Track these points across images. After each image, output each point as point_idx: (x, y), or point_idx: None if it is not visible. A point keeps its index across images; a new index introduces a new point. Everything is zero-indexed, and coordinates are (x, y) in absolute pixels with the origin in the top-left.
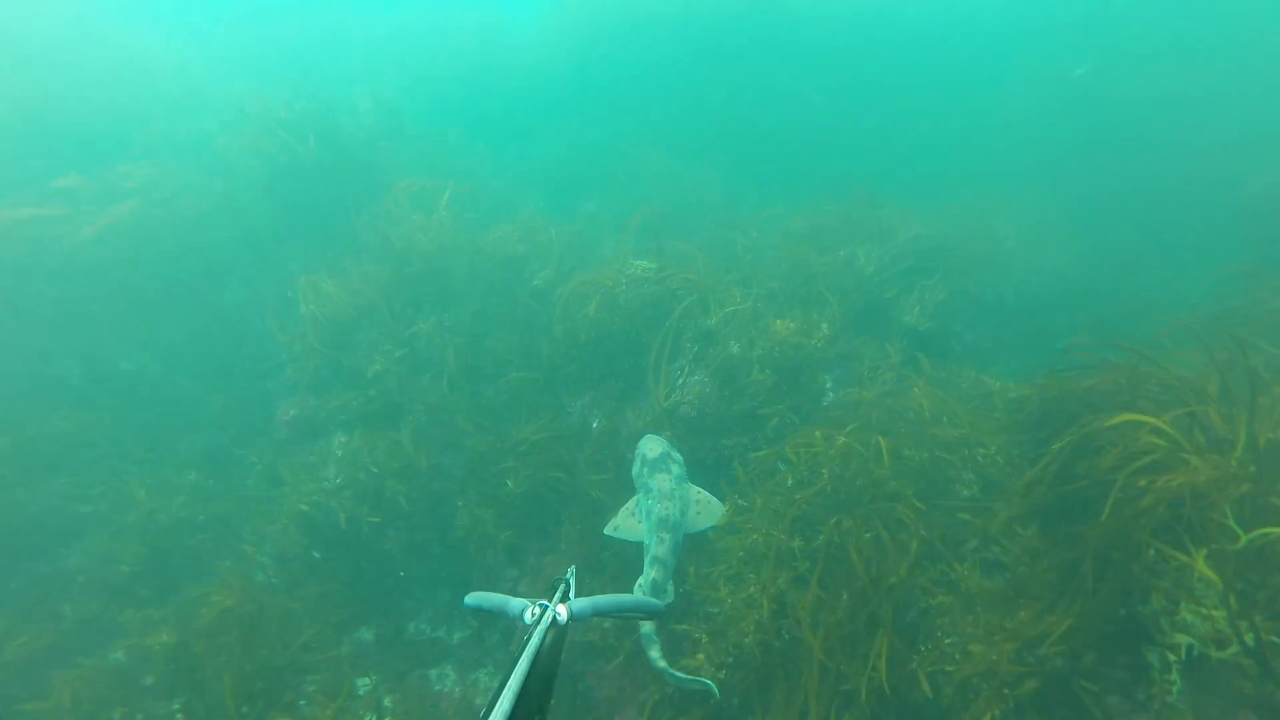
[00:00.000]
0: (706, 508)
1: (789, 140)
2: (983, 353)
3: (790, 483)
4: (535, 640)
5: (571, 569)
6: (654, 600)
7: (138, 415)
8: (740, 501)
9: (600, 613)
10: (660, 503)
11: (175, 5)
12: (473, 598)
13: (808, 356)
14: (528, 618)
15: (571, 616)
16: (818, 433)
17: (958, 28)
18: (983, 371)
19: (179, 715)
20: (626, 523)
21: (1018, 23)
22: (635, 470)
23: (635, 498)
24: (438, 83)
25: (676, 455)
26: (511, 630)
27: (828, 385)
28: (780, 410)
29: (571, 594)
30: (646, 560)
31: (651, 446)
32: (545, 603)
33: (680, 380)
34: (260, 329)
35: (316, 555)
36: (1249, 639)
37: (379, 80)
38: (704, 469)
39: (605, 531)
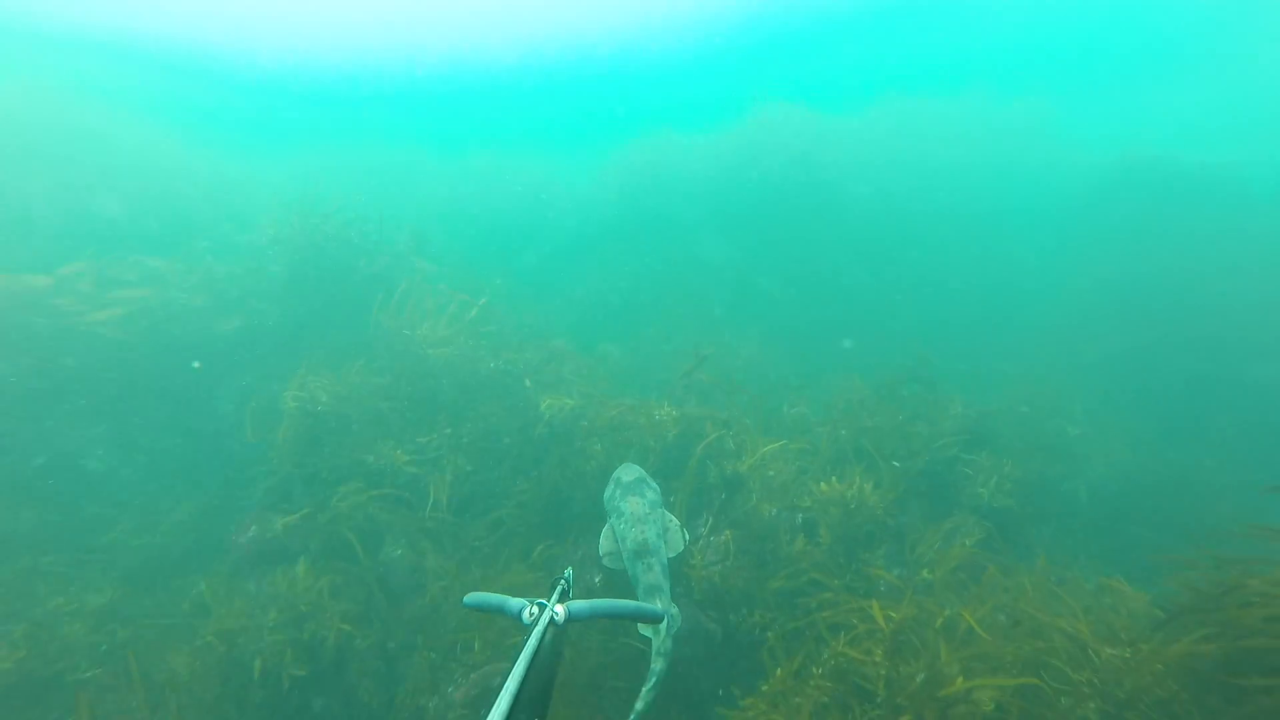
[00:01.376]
0: (675, 535)
1: (829, 308)
2: (1066, 546)
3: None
4: (533, 641)
5: (569, 569)
6: (654, 606)
7: (87, 515)
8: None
9: (599, 615)
10: (634, 526)
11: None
12: (472, 597)
13: (862, 523)
14: (526, 617)
15: (570, 616)
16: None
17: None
18: (1073, 570)
19: None
20: (610, 546)
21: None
22: (607, 494)
23: (608, 523)
24: (486, 225)
25: (653, 483)
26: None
27: (881, 561)
28: (830, 590)
29: (570, 594)
30: (640, 592)
31: (627, 471)
32: (543, 602)
33: (704, 538)
34: (247, 434)
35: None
36: None
37: (429, 208)
38: (731, 645)
39: (604, 563)
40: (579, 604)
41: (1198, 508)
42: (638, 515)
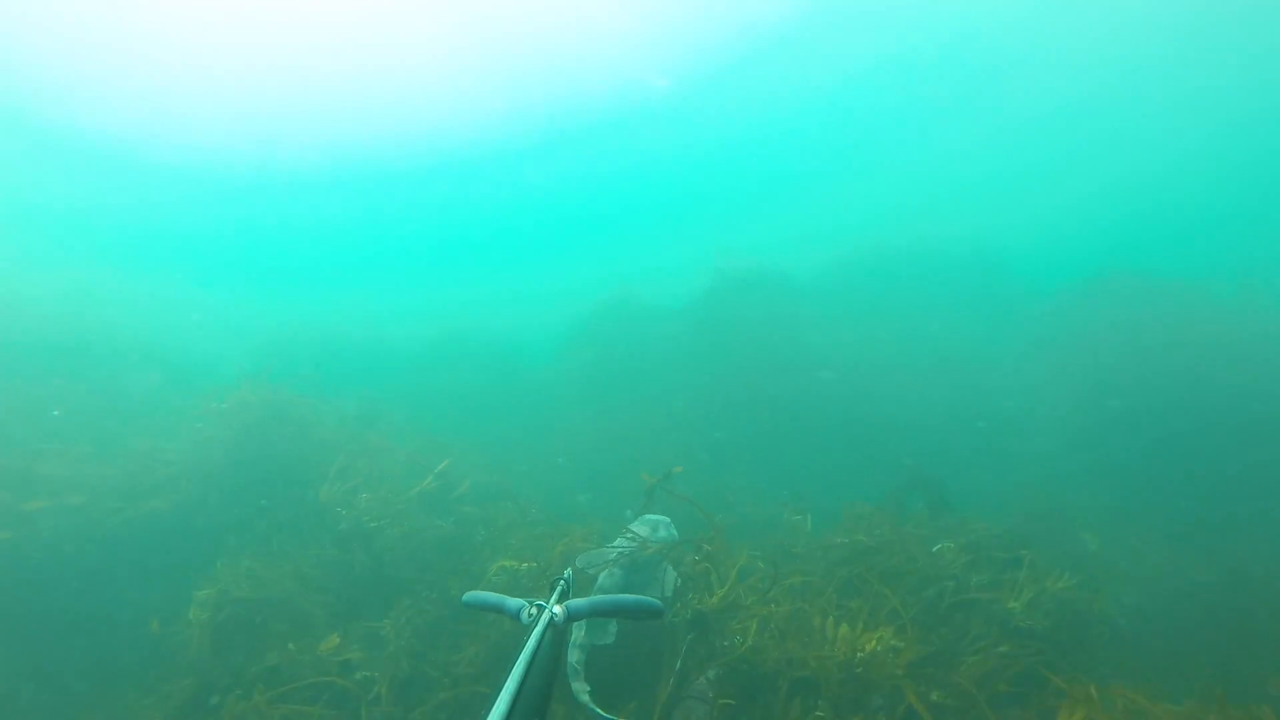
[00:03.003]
0: (669, 577)
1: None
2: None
3: None
4: (532, 641)
5: (568, 570)
6: (654, 600)
7: None
8: None
9: (599, 612)
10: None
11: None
12: (470, 596)
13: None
14: (524, 617)
15: (569, 615)
16: None
17: None
18: None
19: None
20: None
21: None
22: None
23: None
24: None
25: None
26: None
27: None
28: None
29: (570, 595)
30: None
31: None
32: (542, 603)
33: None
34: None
35: None
36: None
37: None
38: None
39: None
40: (579, 602)
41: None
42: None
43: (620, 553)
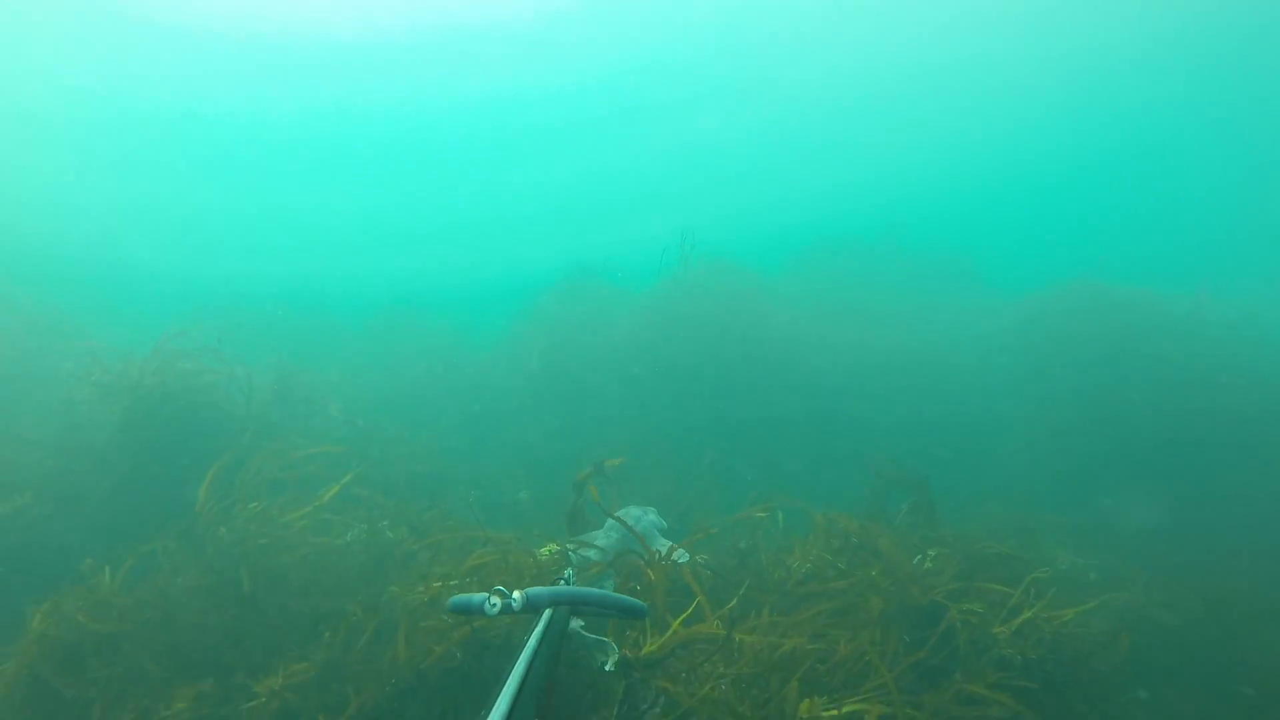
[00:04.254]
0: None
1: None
2: None
3: None
4: (534, 640)
5: (568, 570)
6: (636, 601)
7: None
8: None
9: (563, 601)
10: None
11: None
12: (454, 600)
13: None
14: (487, 608)
15: (527, 602)
16: None
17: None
18: None
19: None
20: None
21: None
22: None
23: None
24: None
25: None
26: None
27: None
28: None
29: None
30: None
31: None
32: (503, 589)
33: None
34: None
35: None
36: None
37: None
38: None
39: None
40: (538, 590)
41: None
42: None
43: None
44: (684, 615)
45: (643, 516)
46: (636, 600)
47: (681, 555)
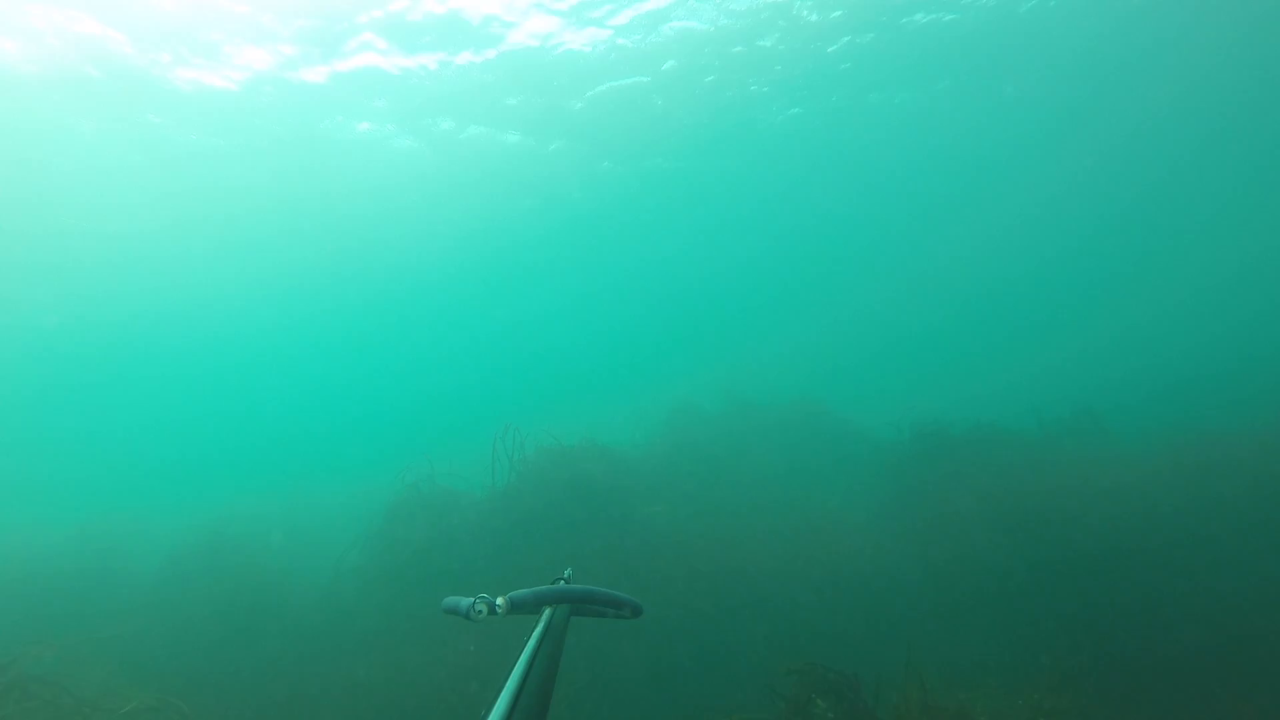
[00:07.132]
0: None
1: None
2: None
3: None
4: (533, 641)
5: (568, 570)
6: (630, 597)
7: None
8: None
9: (548, 601)
10: None
11: None
12: (447, 602)
13: None
14: (471, 613)
15: (511, 605)
16: None
17: None
18: None
19: None
20: None
21: None
22: None
23: None
24: None
25: None
26: None
27: None
28: None
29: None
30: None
31: None
32: (487, 595)
33: None
34: None
35: None
36: None
37: None
38: None
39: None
40: (521, 592)
41: None
42: None
43: None
44: None
45: None
46: (631, 597)
47: None
